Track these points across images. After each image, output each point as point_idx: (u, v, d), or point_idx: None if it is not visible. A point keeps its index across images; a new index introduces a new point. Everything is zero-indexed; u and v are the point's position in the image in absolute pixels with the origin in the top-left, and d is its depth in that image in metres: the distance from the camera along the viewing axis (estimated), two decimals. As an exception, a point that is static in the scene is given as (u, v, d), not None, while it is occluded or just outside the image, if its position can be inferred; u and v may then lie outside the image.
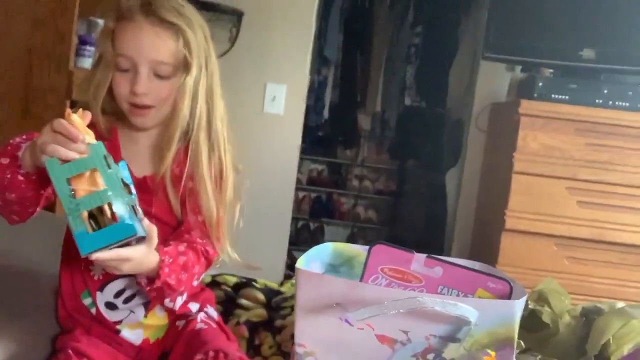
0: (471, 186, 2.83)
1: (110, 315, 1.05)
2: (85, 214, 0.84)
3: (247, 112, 2.56)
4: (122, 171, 0.92)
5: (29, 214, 0.95)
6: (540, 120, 2.25)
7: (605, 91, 2.26)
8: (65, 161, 0.85)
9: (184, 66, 1.01)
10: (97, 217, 0.85)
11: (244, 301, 1.46)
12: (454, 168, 3.06)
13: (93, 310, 1.05)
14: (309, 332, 0.88)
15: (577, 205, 2.26)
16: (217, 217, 1.04)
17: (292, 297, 1.40)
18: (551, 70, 2.45)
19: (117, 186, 0.86)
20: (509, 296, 0.94)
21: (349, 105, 3.89)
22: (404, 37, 3.77)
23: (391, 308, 0.80)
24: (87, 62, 1.81)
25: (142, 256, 0.91)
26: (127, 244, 0.88)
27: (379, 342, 0.87)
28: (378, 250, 0.98)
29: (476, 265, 1.04)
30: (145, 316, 1.06)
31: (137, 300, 1.05)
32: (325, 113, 3.82)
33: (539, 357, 1.18)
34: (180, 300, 1.08)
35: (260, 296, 1.49)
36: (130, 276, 1.02)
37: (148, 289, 0.97)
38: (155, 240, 0.92)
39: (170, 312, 1.08)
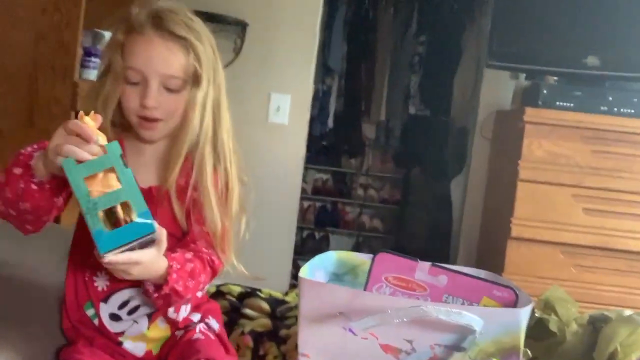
0: (476, 194, 2.82)
1: (113, 327, 1.05)
2: (102, 213, 0.84)
3: (252, 122, 2.57)
4: None
5: (42, 223, 0.95)
6: (545, 127, 2.24)
7: (610, 98, 2.25)
8: (80, 162, 0.85)
9: (193, 79, 1.01)
10: (114, 216, 0.86)
11: (248, 311, 1.45)
12: (459, 176, 3.06)
13: (96, 321, 1.05)
14: (313, 341, 0.87)
15: (583, 212, 2.25)
16: (222, 229, 1.04)
17: (297, 306, 1.39)
18: (555, 78, 2.44)
19: (134, 185, 0.87)
20: (514, 304, 0.93)
21: (353, 114, 3.89)
22: (408, 46, 3.78)
23: (395, 317, 0.80)
24: (91, 74, 1.82)
25: (152, 260, 0.91)
26: (142, 247, 0.89)
27: (383, 352, 0.86)
28: (382, 258, 0.97)
29: (481, 273, 1.04)
30: (149, 328, 1.06)
31: (141, 311, 1.05)
32: (330, 122, 3.83)
33: (546, 366, 1.17)
34: (184, 312, 1.08)
35: (265, 306, 1.48)
36: (136, 287, 1.02)
37: (155, 295, 0.96)
38: (164, 244, 0.92)
39: (172, 323, 1.07)
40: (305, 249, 3.86)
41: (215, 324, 1.12)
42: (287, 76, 2.61)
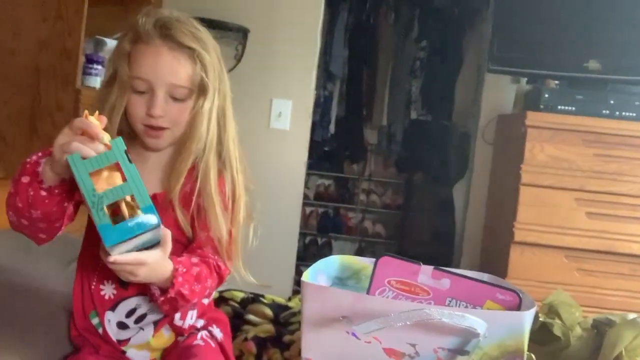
0: (479, 199, 2.82)
1: (119, 335, 1.05)
2: (107, 207, 0.85)
3: (254, 127, 2.57)
4: None
5: (55, 230, 0.95)
6: (547, 131, 2.24)
7: (612, 102, 2.25)
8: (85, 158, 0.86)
9: (200, 88, 1.02)
10: (119, 210, 0.86)
11: (251, 317, 1.45)
12: (461, 181, 3.05)
13: (100, 330, 1.05)
14: (316, 346, 0.87)
15: (586, 216, 2.25)
16: (228, 236, 1.04)
17: (300, 312, 1.39)
18: (557, 82, 2.44)
19: (139, 179, 0.87)
20: (518, 307, 0.93)
21: (355, 119, 3.89)
22: (409, 51, 3.78)
23: (398, 320, 0.79)
24: (94, 81, 1.82)
25: (157, 260, 0.91)
26: (147, 248, 0.89)
27: (386, 356, 0.86)
28: (385, 262, 0.97)
29: (484, 276, 1.03)
30: (154, 336, 1.06)
31: (148, 320, 1.05)
32: (332, 128, 3.83)
33: (551, 370, 1.17)
34: (190, 319, 1.08)
35: (268, 312, 1.48)
36: (142, 295, 1.03)
37: (162, 299, 0.96)
38: (169, 244, 0.92)
39: (177, 331, 1.07)
40: (307, 255, 3.85)
41: (218, 333, 1.12)
42: (288, 82, 2.62)
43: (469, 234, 2.85)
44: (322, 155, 3.96)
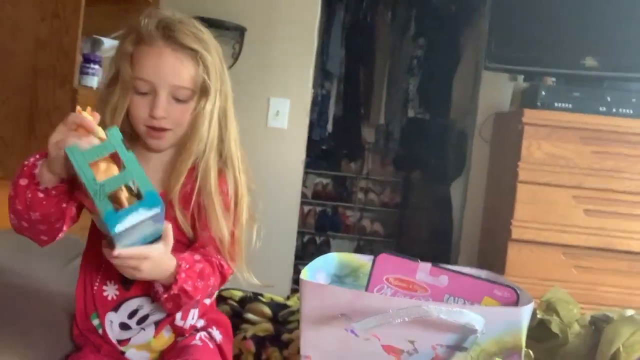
0: (476, 197, 2.82)
1: (120, 335, 1.05)
2: (110, 194, 0.85)
3: (251, 126, 2.57)
4: None
5: (56, 231, 0.95)
6: (544, 129, 2.25)
7: (609, 99, 2.25)
8: None
9: (202, 89, 1.02)
10: (120, 202, 0.86)
11: (250, 315, 1.45)
12: (459, 179, 3.05)
13: (100, 331, 1.06)
14: (315, 343, 0.87)
15: (584, 213, 2.25)
16: (231, 237, 1.04)
17: (299, 310, 1.39)
18: (554, 79, 2.45)
19: (138, 166, 0.87)
20: (515, 304, 0.93)
21: (352, 118, 3.90)
22: (406, 50, 3.79)
23: (396, 317, 0.80)
24: (91, 80, 1.82)
25: (160, 255, 0.92)
26: (149, 243, 0.89)
27: (385, 353, 0.86)
28: (383, 259, 0.97)
29: (482, 273, 1.04)
30: (155, 336, 1.06)
31: (150, 320, 1.05)
32: (329, 126, 3.83)
33: (549, 366, 1.17)
34: (191, 319, 1.08)
35: (267, 310, 1.48)
36: (144, 296, 1.03)
37: (165, 296, 0.96)
38: (171, 238, 0.93)
39: (178, 332, 1.08)
40: (306, 254, 3.85)
41: (218, 335, 1.12)
42: (286, 80, 2.62)
43: (467, 232, 2.85)
44: (320, 153, 3.97)
